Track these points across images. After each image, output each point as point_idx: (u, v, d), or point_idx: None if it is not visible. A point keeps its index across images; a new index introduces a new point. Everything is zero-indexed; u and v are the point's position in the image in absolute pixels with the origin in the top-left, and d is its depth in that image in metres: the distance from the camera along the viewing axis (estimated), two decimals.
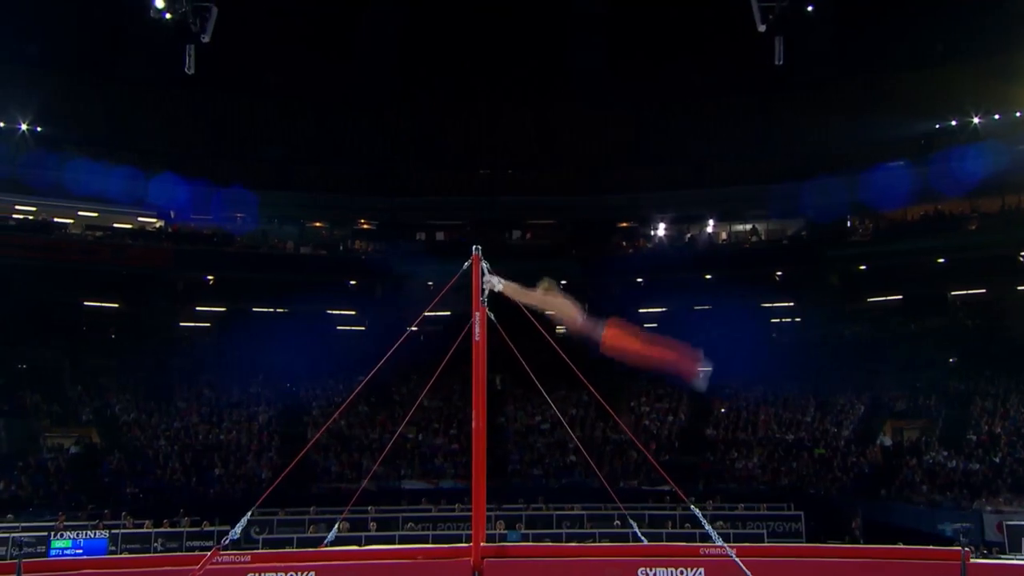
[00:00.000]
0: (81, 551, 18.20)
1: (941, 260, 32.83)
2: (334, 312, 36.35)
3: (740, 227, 36.50)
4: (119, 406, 30.16)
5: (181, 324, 35.64)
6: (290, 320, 34.64)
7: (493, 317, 9.29)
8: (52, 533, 19.32)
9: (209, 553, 7.75)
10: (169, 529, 21.94)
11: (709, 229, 36.42)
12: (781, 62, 20.81)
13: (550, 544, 13.55)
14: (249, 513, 8.52)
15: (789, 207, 34.03)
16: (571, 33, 34.61)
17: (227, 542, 8.12)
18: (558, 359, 33.27)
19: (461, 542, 22.21)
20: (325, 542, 9.63)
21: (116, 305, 35.38)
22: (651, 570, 7.86)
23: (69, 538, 18.91)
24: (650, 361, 8.68)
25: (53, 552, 18.28)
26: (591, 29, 34.40)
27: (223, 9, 21.83)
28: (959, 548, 8.08)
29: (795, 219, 35.30)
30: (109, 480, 26.98)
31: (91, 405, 30.14)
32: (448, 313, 37.69)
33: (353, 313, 36.32)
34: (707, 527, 8.34)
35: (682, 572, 7.94)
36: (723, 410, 31.70)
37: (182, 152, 34.26)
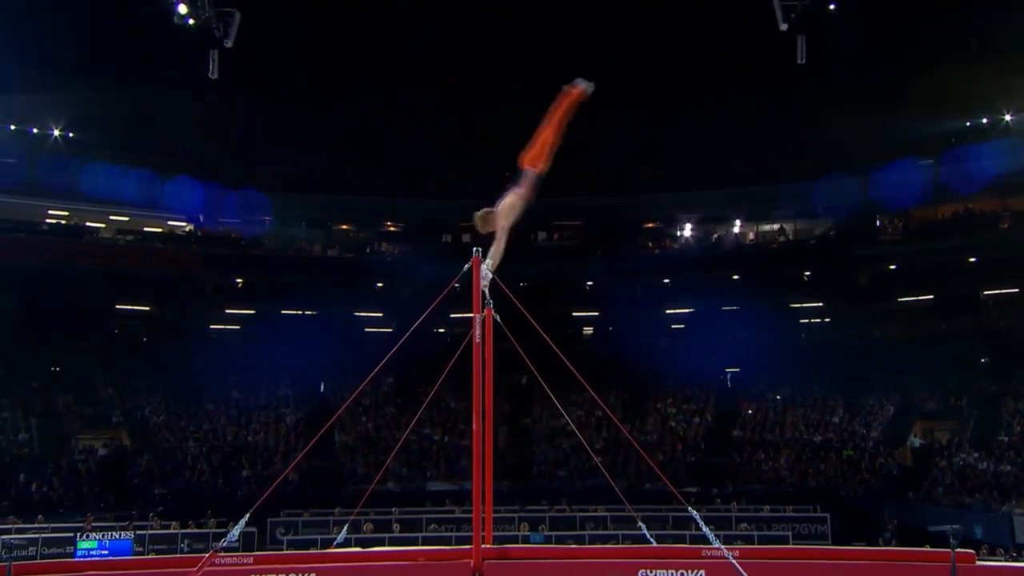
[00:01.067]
0: (107, 552, 18.43)
1: (972, 259, 32.41)
2: (361, 314, 36.56)
3: (767, 227, 36.26)
4: (149, 408, 30.53)
5: (211, 327, 35.96)
6: (318, 322, 34.91)
7: (499, 319, 9.31)
8: (78, 534, 19.59)
9: (207, 555, 7.84)
10: (195, 530, 22.15)
11: (736, 229, 36.24)
12: (804, 61, 20.73)
13: (552, 546, 13.55)
14: (247, 516, 8.59)
15: (817, 206, 33.71)
16: (596, 33, 34.53)
17: (224, 544, 8.22)
18: (584, 360, 33.21)
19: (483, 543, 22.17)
20: (335, 544, 9.72)
21: (147, 308, 35.85)
22: (652, 572, 7.86)
23: (95, 539, 19.16)
24: (556, 125, 9.53)
25: (79, 553, 18.53)
26: (616, 28, 34.31)
27: (250, 12, 22.14)
28: (949, 550, 7.99)
29: (823, 219, 35.04)
30: (138, 481, 27.30)
31: (121, 407, 30.53)
32: (476, 314, 37.99)
33: (380, 315, 36.48)
34: (704, 529, 8.33)
35: (683, 574, 7.92)
36: (750, 411, 31.51)
37: (210, 156, 34.58)
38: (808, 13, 20.35)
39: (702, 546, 8.28)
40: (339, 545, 9.70)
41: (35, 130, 31.56)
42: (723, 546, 7.99)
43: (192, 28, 20.56)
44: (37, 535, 20.46)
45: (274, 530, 23.20)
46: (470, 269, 8.69)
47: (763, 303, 35.36)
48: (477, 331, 8.40)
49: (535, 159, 9.50)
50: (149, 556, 15.84)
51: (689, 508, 9.21)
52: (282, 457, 29.07)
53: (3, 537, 16.83)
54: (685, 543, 19.82)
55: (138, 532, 20.77)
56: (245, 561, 8.15)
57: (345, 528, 9.85)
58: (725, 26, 30.46)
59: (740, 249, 35.51)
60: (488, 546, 8.04)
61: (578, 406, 32.47)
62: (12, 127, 31.14)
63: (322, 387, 33.04)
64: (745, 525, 22.50)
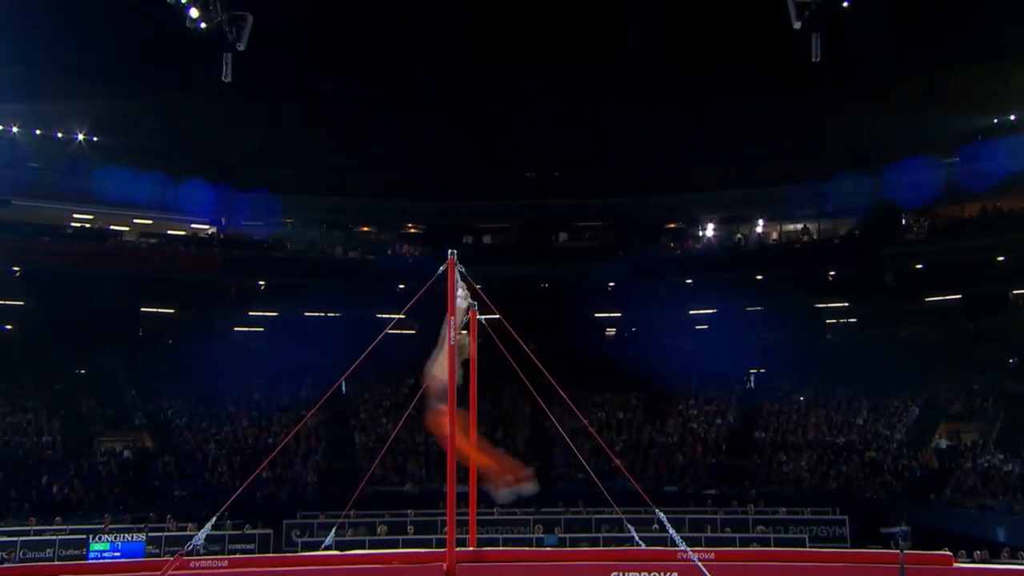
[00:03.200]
0: (119, 554, 18.56)
1: (1001, 258, 31.82)
2: (383, 316, 36.58)
3: (791, 227, 35.87)
4: (171, 410, 30.79)
5: (234, 329, 36.17)
6: (340, 324, 34.98)
7: (483, 320, 9.24)
8: (91, 536, 19.74)
9: (172, 559, 7.83)
10: (212, 532, 22.19)
11: (759, 229, 35.88)
12: (818, 59, 20.43)
13: (525, 549, 13.47)
14: (213, 519, 8.57)
15: (841, 205, 33.40)
16: (618, 35, 34.47)
17: (190, 548, 8.20)
18: (607, 361, 33.06)
19: (499, 545, 22.16)
20: (323, 546, 9.68)
21: (171, 311, 36.16)
22: (624, 574, 7.75)
23: (107, 541, 19.30)
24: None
25: (92, 555, 18.68)
26: (639, 31, 34.26)
27: (273, 16, 22.24)
28: (897, 551, 7.82)
29: (847, 218, 34.58)
30: (159, 483, 27.53)
31: (144, 409, 30.81)
32: (496, 316, 37.97)
33: (402, 316, 36.45)
34: (671, 532, 8.20)
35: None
36: (772, 413, 31.19)
37: (232, 159, 34.88)
38: (823, 11, 20.04)
39: (678, 549, 8.14)
40: (327, 548, 9.66)
41: (60, 135, 31.88)
42: (688, 548, 7.88)
43: (204, 32, 20.64)
44: (54, 536, 20.69)
45: (290, 532, 23.22)
46: (446, 271, 8.58)
47: (787, 303, 35.03)
48: (452, 333, 8.29)
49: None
50: (122, 560, 15.80)
51: (656, 511, 9.05)
52: (301, 459, 29.19)
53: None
54: (700, 546, 19.72)
55: (153, 534, 20.88)
56: (220, 564, 8.12)
57: (332, 532, 9.82)
58: (748, 26, 30.20)
59: (763, 249, 35.18)
60: (462, 549, 7.96)
61: (599, 407, 32.36)
62: (37, 132, 31.47)
63: (343, 388, 33.08)
64: (762, 527, 22.24)
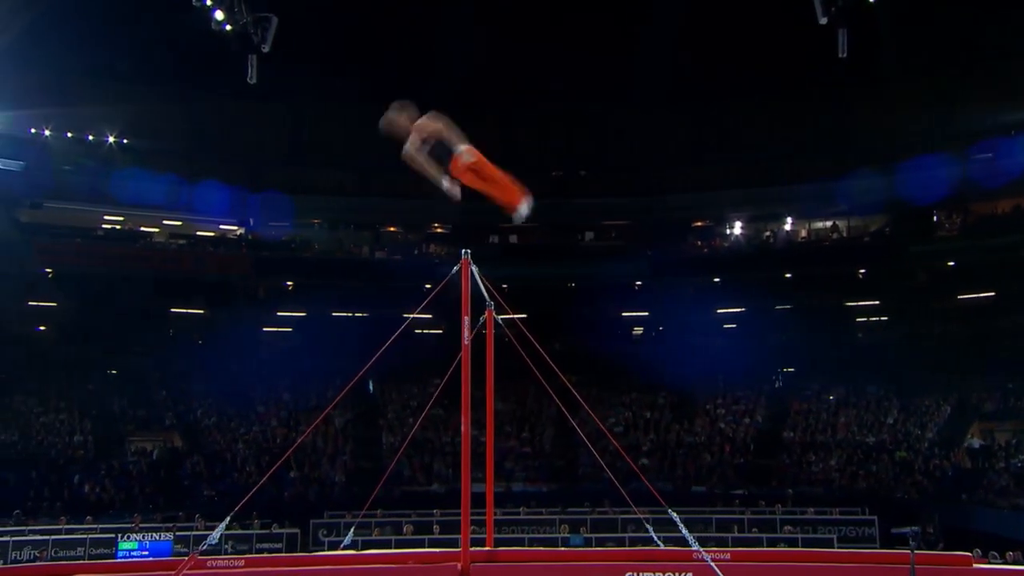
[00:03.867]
0: (147, 553, 18.76)
1: None
2: (409, 316, 36.65)
3: (820, 224, 35.51)
4: (201, 410, 31.04)
5: (263, 329, 36.40)
6: (367, 324, 35.09)
7: (500, 321, 9.21)
8: (119, 535, 19.97)
9: (187, 559, 7.87)
10: (239, 531, 22.42)
11: (787, 227, 35.55)
12: (845, 55, 20.17)
13: (540, 549, 13.43)
14: (227, 519, 8.61)
15: (871, 202, 32.89)
16: (642, 31, 34.27)
17: (205, 546, 8.24)
18: (634, 361, 32.88)
19: (524, 545, 22.12)
20: (341, 546, 9.70)
21: (201, 311, 36.43)
22: (639, 574, 7.71)
23: (135, 540, 19.52)
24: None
25: (120, 554, 18.91)
26: (662, 27, 34.05)
27: (297, 17, 22.28)
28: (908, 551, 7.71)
29: (877, 215, 34.18)
30: (188, 483, 27.76)
31: (174, 409, 31.09)
32: (523, 316, 37.95)
33: (430, 316, 36.56)
34: (684, 531, 8.12)
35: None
36: (801, 412, 30.95)
37: (259, 160, 35.10)
38: (848, 7, 19.79)
39: (694, 549, 8.08)
40: (345, 548, 9.69)
41: (90, 137, 32.22)
42: (701, 549, 7.81)
43: (229, 34, 20.73)
44: (85, 535, 20.94)
45: (317, 532, 23.34)
46: (459, 272, 8.56)
47: (816, 302, 34.76)
48: (466, 333, 8.29)
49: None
50: (135, 560, 15.96)
51: (670, 511, 8.98)
52: (329, 459, 29.33)
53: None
54: (728, 546, 19.57)
55: (181, 533, 21.07)
56: (236, 564, 8.16)
57: (351, 531, 9.85)
58: (771, 22, 29.95)
59: (792, 247, 34.82)
60: (477, 549, 7.95)
61: (626, 407, 32.26)
62: (69, 134, 31.84)
63: (371, 387, 33.29)
64: (790, 528, 22.07)
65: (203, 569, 7.84)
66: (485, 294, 9.10)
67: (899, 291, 34.18)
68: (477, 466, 30.72)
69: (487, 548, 8.37)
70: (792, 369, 33.83)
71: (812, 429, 29.98)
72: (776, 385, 33.20)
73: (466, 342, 8.35)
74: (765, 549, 14.64)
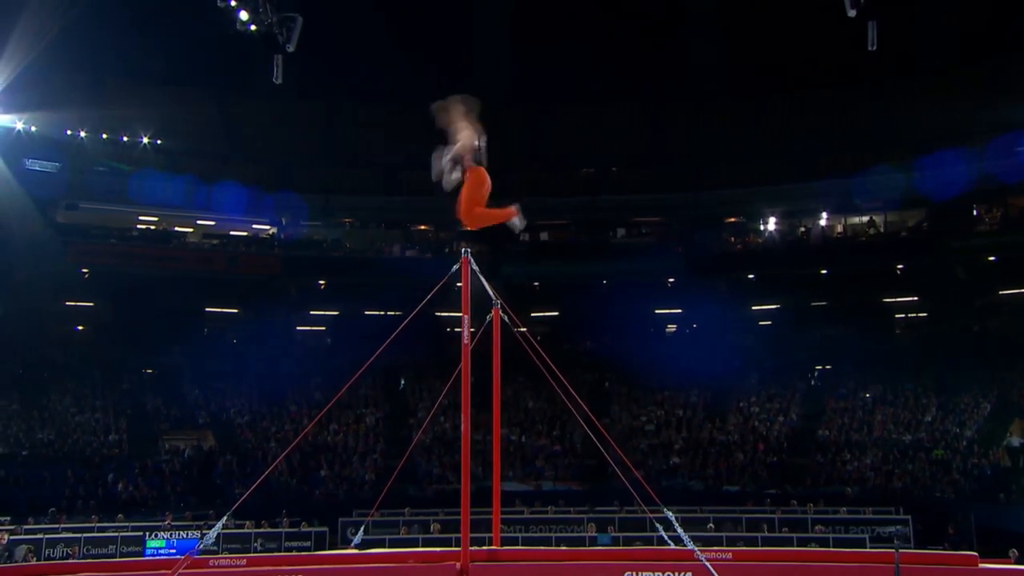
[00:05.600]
0: (174, 551, 18.90)
1: None
2: (442, 314, 36.67)
3: (856, 220, 34.92)
4: (233, 409, 31.24)
5: (296, 328, 36.58)
6: (400, 322, 35.04)
7: (506, 319, 9.08)
8: (147, 533, 20.14)
9: (183, 557, 7.85)
10: (268, 530, 22.54)
11: (822, 222, 34.99)
12: (874, 47, 19.86)
13: (540, 548, 13.31)
14: (223, 519, 8.58)
15: (908, 197, 32.26)
16: (674, 30, 34.05)
17: (202, 545, 8.22)
18: (666, 358, 32.48)
19: (551, 544, 21.93)
20: (352, 544, 9.66)
21: (235, 311, 36.73)
22: (637, 574, 7.58)
23: (163, 538, 19.69)
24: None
25: (148, 552, 19.08)
26: (694, 25, 33.83)
27: (327, 17, 22.36)
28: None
29: (915, 210, 33.49)
30: (220, 482, 27.94)
31: (207, 408, 31.33)
32: (556, 314, 37.80)
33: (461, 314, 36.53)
34: (679, 531, 7.96)
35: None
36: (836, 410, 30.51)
37: (290, 160, 35.28)
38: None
39: (695, 548, 7.91)
40: (356, 546, 9.65)
41: (125, 139, 32.55)
42: (696, 548, 7.65)
43: (255, 34, 20.83)
44: (116, 533, 21.16)
45: (345, 530, 23.37)
46: (459, 271, 8.47)
47: (853, 298, 34.27)
48: (466, 332, 8.20)
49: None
50: (132, 559, 16.02)
51: (666, 511, 8.81)
52: (360, 457, 29.38)
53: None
54: (757, 546, 19.30)
55: (203, 532, 21.20)
56: (238, 563, 8.14)
57: (362, 530, 9.80)
58: (803, 18, 29.54)
59: (827, 243, 34.22)
60: (476, 548, 7.86)
61: (658, 405, 32.00)
62: (104, 136, 32.20)
63: (401, 383, 33.34)
64: (821, 527, 21.73)
65: (205, 568, 7.81)
66: (491, 293, 8.98)
67: (938, 287, 33.52)
68: (510, 465, 30.69)
69: (487, 548, 8.27)
70: (828, 367, 33.34)
71: (847, 428, 29.51)
72: (811, 383, 32.72)
73: (466, 342, 8.24)
74: (767, 549, 14.35)
